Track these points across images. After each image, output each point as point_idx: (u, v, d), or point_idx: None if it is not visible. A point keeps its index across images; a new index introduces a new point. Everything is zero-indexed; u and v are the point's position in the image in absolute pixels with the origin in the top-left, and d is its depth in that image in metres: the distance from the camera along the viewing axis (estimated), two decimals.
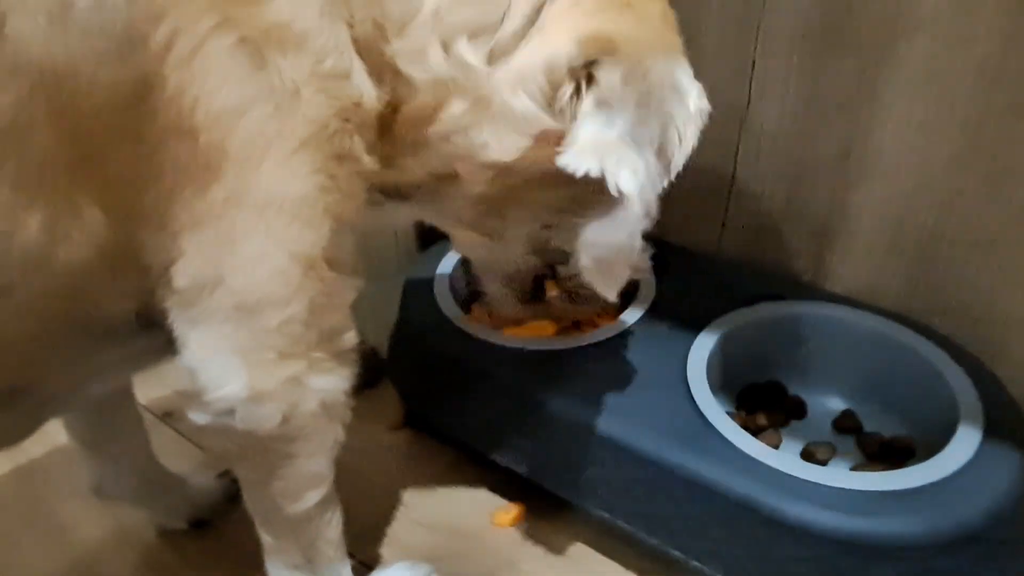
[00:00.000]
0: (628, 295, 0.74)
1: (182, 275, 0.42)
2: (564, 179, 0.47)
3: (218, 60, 0.39)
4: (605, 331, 0.69)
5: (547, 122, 0.46)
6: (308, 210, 0.43)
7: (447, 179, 0.51)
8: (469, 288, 0.76)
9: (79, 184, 0.39)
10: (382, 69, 0.45)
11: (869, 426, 0.68)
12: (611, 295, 0.49)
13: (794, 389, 0.72)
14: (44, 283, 0.40)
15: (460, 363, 0.70)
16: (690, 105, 0.47)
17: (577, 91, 0.45)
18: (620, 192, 0.43)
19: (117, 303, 0.44)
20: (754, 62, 0.67)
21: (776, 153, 0.70)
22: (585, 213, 0.50)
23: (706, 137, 0.72)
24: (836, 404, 0.71)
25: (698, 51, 0.70)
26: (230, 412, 0.44)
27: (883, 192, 0.66)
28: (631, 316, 0.71)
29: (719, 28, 0.68)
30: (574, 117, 0.45)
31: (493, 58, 0.45)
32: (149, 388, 0.83)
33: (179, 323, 0.43)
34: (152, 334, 0.45)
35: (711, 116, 0.71)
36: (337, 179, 0.44)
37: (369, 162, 0.46)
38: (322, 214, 0.43)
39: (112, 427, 0.63)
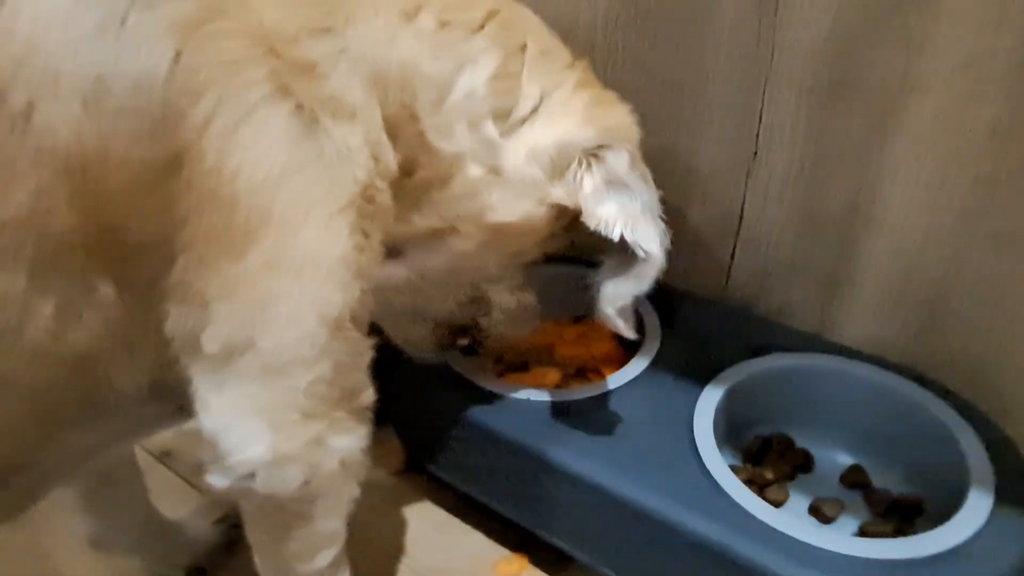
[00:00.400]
0: (634, 344, 0.73)
1: (212, 341, 0.41)
2: (541, 239, 0.59)
3: (270, 126, 0.40)
4: (610, 382, 0.69)
5: (550, 190, 0.54)
6: (343, 271, 0.44)
7: (442, 234, 0.56)
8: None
9: (95, 262, 0.39)
10: (397, 139, 0.48)
11: (878, 482, 0.67)
12: (631, 334, 0.58)
13: (801, 442, 0.71)
14: (52, 370, 0.40)
15: (462, 411, 0.69)
16: None
17: (588, 168, 0.54)
18: (647, 253, 0.53)
19: (131, 377, 0.44)
20: (761, 114, 0.67)
21: (783, 204, 0.70)
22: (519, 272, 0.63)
23: (713, 186, 0.72)
24: (844, 459, 0.70)
25: (705, 102, 0.70)
26: (252, 475, 0.43)
27: (891, 246, 0.66)
28: (637, 366, 0.70)
29: (726, 80, 0.68)
30: (580, 188, 0.54)
31: (505, 134, 0.53)
32: None
33: (203, 388, 0.43)
34: (162, 402, 0.45)
35: (718, 166, 0.71)
36: (370, 238, 0.45)
37: (391, 217, 0.48)
38: (355, 274, 0.44)
39: (109, 477, 0.62)
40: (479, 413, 0.68)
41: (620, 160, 0.53)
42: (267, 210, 0.40)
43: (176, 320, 0.41)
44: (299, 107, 0.41)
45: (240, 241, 0.40)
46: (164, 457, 0.82)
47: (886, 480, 0.67)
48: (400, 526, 0.75)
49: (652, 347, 0.72)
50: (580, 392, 0.68)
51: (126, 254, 0.39)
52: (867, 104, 0.61)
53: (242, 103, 0.39)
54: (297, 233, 0.41)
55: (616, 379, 0.69)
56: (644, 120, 0.73)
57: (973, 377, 0.65)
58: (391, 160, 0.48)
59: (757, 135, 0.68)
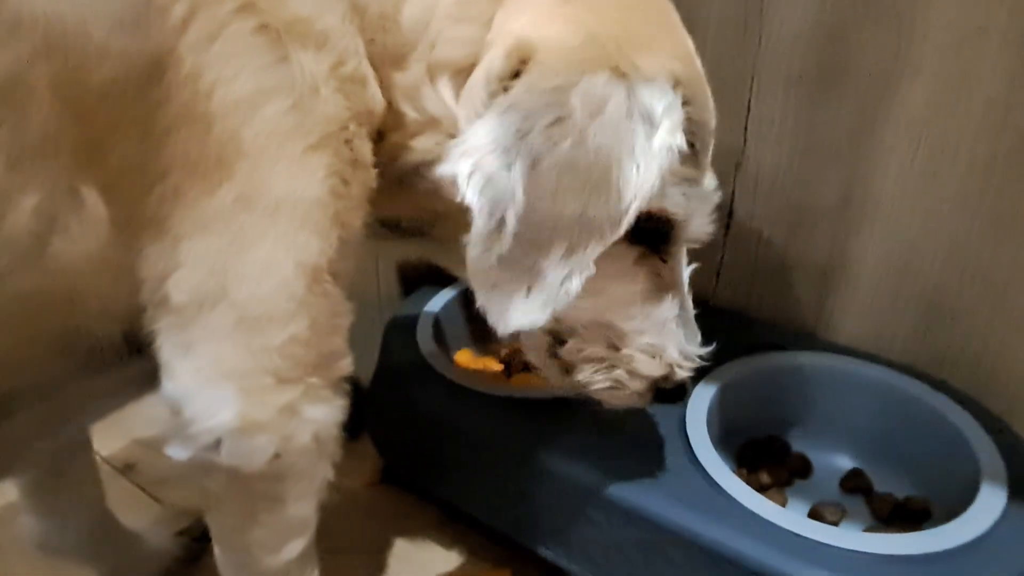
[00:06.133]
0: None
1: (180, 289, 0.39)
2: None
3: (239, 45, 0.38)
4: None
5: None
6: (320, 215, 0.41)
7: (441, 217, 0.49)
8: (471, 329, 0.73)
9: (83, 171, 0.36)
10: (384, 85, 0.44)
11: (880, 486, 0.64)
12: (502, 328, 0.43)
13: (798, 446, 0.68)
14: (37, 280, 0.37)
15: (442, 413, 0.65)
16: (654, 139, 0.42)
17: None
18: (469, 201, 0.40)
19: (105, 323, 0.41)
20: (749, 104, 0.66)
21: (773, 197, 0.68)
22: None
23: None
24: (844, 463, 0.67)
25: None
26: (216, 445, 0.40)
27: (886, 238, 0.64)
28: None
29: (712, 70, 0.66)
30: None
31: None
32: (109, 439, 0.78)
33: (168, 350, 0.40)
34: (141, 360, 0.41)
35: None
36: (350, 185, 0.42)
37: (375, 175, 0.44)
38: (332, 221, 0.41)
39: (64, 476, 0.58)
40: (459, 415, 0.64)
41: (519, 86, 0.41)
42: (239, 137, 0.38)
43: (149, 259, 0.39)
44: (263, 26, 0.38)
45: (214, 171, 0.38)
46: (126, 470, 0.78)
47: (890, 485, 0.64)
48: (377, 541, 0.70)
49: None
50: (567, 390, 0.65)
51: (110, 171, 0.37)
52: (857, 90, 0.60)
53: (215, 14, 0.37)
54: (271, 168, 0.39)
55: None
56: None
57: (975, 374, 0.63)
58: (375, 103, 0.43)
59: (745, 128, 0.67)
